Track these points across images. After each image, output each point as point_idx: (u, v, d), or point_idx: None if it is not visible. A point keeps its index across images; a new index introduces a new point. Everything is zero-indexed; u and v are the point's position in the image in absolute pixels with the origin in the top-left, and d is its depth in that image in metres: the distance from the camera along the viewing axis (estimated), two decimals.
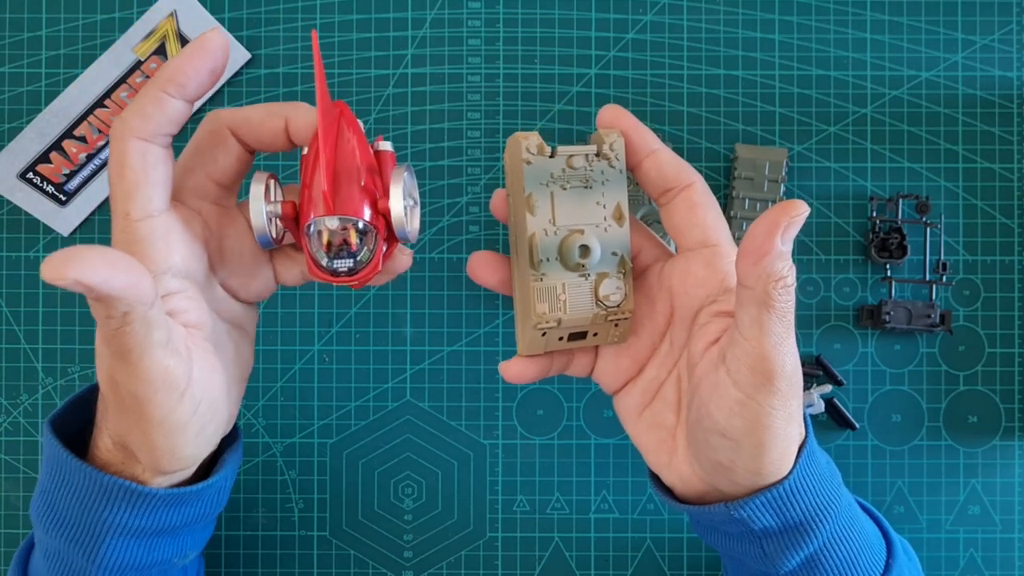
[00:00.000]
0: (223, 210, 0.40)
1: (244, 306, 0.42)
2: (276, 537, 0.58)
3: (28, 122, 0.57)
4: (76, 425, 0.42)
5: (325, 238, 0.37)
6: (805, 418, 0.42)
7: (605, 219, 0.40)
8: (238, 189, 0.41)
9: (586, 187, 0.40)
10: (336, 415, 0.58)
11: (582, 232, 0.39)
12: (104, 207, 0.58)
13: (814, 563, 0.41)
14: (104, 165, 0.57)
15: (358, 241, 0.37)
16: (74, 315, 0.58)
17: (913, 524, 0.57)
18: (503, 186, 0.45)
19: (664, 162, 0.40)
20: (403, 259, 0.41)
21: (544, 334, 0.40)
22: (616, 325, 0.41)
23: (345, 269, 0.38)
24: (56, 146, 0.57)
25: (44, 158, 0.57)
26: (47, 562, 0.42)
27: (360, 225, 0.37)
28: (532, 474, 0.58)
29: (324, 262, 0.38)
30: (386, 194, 0.38)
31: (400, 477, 0.58)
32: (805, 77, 0.58)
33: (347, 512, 0.58)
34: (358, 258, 0.38)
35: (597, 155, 0.39)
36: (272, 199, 0.38)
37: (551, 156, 0.39)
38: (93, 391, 0.43)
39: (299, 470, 0.58)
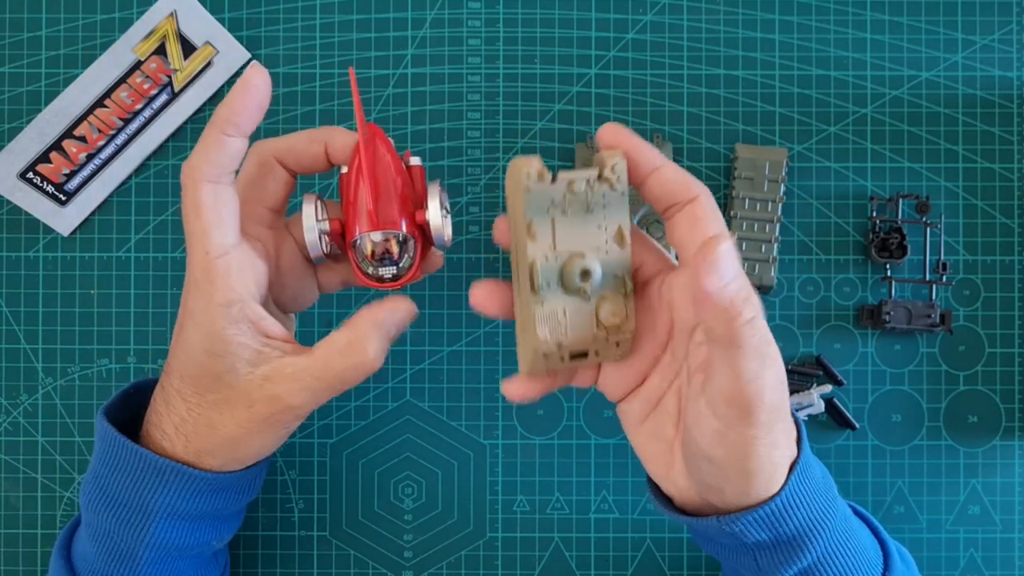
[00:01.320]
0: (276, 232, 0.44)
1: (285, 317, 0.46)
2: (276, 537, 0.58)
3: (28, 122, 0.57)
4: (125, 415, 0.46)
5: (370, 249, 0.42)
6: (800, 430, 0.42)
7: (607, 242, 0.40)
8: (285, 210, 0.45)
9: (587, 211, 0.39)
10: (336, 415, 0.58)
11: (583, 256, 0.39)
12: (104, 207, 0.58)
13: None
14: (104, 165, 0.57)
15: (399, 250, 0.42)
16: (74, 315, 0.58)
17: (913, 524, 0.57)
18: (502, 196, 0.46)
19: (668, 179, 0.40)
20: (436, 260, 0.46)
21: (546, 356, 0.40)
22: (617, 344, 0.41)
23: (390, 276, 0.43)
24: (56, 146, 0.57)
25: (44, 158, 0.57)
26: (95, 543, 0.45)
27: (400, 237, 0.42)
28: (532, 474, 0.58)
29: (370, 270, 0.42)
30: (421, 207, 0.43)
31: (400, 477, 0.58)
32: (805, 77, 0.58)
33: (347, 512, 0.58)
34: (400, 265, 0.43)
35: (599, 178, 0.39)
36: (320, 218, 0.43)
37: (552, 182, 0.39)
38: (139, 386, 0.47)
39: (299, 470, 0.58)
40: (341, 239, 0.43)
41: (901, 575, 0.44)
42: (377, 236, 0.42)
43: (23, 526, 0.57)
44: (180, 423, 0.42)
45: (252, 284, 0.41)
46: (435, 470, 0.58)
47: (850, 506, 0.48)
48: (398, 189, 0.42)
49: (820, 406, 0.56)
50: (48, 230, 0.58)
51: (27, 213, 0.57)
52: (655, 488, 0.45)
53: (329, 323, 0.58)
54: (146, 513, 0.43)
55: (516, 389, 0.42)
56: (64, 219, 0.58)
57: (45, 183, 0.57)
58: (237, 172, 0.42)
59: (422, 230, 0.43)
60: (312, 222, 0.42)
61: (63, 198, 0.57)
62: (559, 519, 0.58)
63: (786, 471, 0.40)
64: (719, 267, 0.35)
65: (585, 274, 0.39)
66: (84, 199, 0.57)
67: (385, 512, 0.58)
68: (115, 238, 0.58)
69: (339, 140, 0.42)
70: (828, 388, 0.57)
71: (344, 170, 0.43)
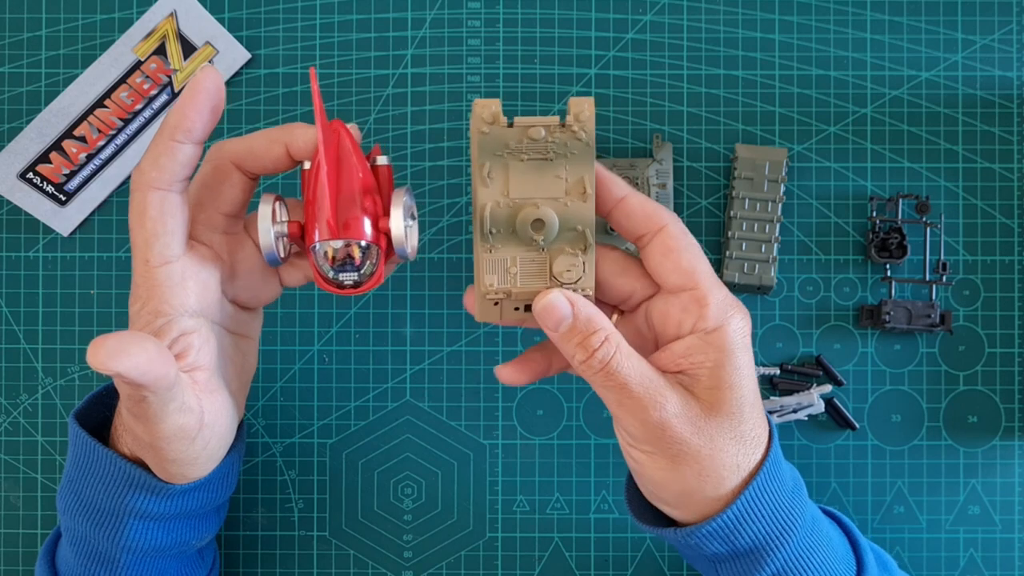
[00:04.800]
0: (232, 236, 0.42)
1: (251, 314, 0.44)
2: (276, 537, 0.58)
3: (28, 122, 0.57)
4: (97, 418, 0.45)
5: (330, 256, 0.40)
6: (773, 438, 0.42)
7: (566, 193, 0.39)
8: (244, 214, 0.43)
9: (545, 159, 0.38)
10: (336, 415, 0.58)
11: (536, 205, 0.39)
12: (104, 207, 0.58)
13: None
14: (104, 165, 0.57)
15: (361, 256, 0.40)
16: (74, 315, 0.58)
17: (913, 524, 0.57)
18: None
19: (632, 210, 0.40)
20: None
21: (496, 303, 0.40)
22: None
23: (351, 282, 0.40)
24: (56, 146, 0.57)
25: (44, 158, 0.57)
26: (73, 548, 0.45)
27: (363, 244, 0.40)
28: (532, 474, 0.58)
29: (331, 276, 0.40)
30: (386, 212, 0.40)
31: (400, 477, 0.58)
32: (805, 77, 0.58)
33: (347, 512, 0.58)
34: (362, 271, 0.40)
35: (562, 126, 0.38)
36: (278, 219, 0.40)
37: (508, 126, 0.38)
38: (111, 387, 0.46)
39: (299, 470, 0.58)
40: (301, 241, 0.41)
41: None
42: (337, 243, 0.39)
43: (23, 526, 0.57)
44: (123, 424, 0.43)
45: (192, 296, 0.39)
46: (435, 470, 0.58)
47: (825, 510, 0.48)
48: (361, 193, 0.40)
49: (820, 406, 0.56)
50: (48, 230, 0.58)
51: (27, 213, 0.57)
52: (631, 499, 0.45)
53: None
54: (118, 516, 0.42)
55: (505, 373, 0.43)
56: (64, 219, 0.58)
57: (45, 183, 0.57)
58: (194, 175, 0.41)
59: (387, 235, 0.41)
60: (268, 225, 0.40)
61: (63, 198, 0.57)
62: (559, 519, 0.58)
63: (739, 484, 0.40)
64: (547, 321, 0.38)
65: (538, 224, 0.39)
66: (84, 199, 0.58)
67: (385, 512, 0.58)
68: (115, 238, 0.58)
69: (300, 138, 0.40)
70: (828, 388, 0.57)
71: (307, 166, 0.41)
